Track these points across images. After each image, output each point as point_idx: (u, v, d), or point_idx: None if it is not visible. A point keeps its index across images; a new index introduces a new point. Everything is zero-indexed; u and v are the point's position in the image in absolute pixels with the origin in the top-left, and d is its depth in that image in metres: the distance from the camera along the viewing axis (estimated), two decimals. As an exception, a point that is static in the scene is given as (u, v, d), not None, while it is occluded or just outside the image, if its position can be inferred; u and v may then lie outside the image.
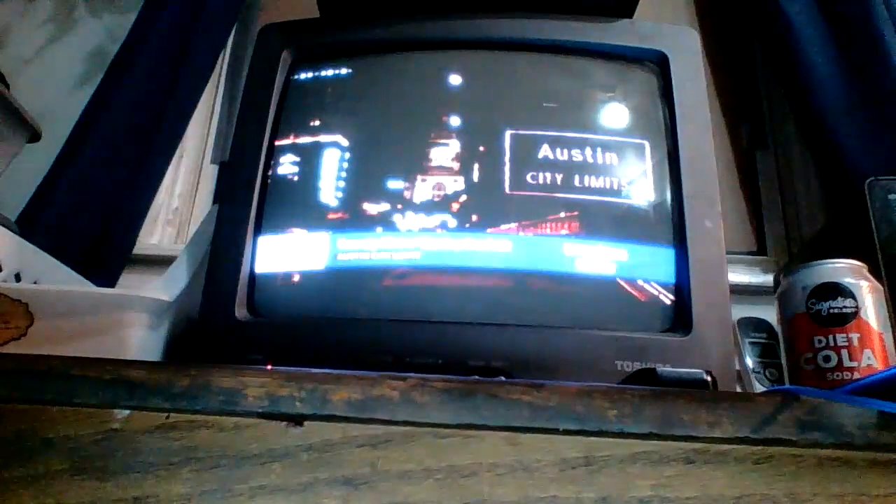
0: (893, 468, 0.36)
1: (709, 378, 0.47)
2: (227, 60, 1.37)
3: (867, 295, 0.62)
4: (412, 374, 0.36)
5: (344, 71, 0.71)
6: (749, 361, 0.78)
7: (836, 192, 1.10)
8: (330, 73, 0.71)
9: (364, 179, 0.66)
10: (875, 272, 0.65)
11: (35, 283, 0.68)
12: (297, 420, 0.36)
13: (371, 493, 0.36)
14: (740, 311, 0.77)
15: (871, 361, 0.59)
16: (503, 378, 0.54)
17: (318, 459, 0.36)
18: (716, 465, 0.36)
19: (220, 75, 1.36)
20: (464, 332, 0.58)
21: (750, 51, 1.42)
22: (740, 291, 1.05)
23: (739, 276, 1.15)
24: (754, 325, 0.82)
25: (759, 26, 1.28)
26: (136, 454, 0.36)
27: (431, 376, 0.36)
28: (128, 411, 0.37)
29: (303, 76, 0.71)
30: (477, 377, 0.42)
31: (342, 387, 0.35)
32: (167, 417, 0.37)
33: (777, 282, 0.71)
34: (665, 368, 0.52)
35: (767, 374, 0.78)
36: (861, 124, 1.09)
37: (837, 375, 0.59)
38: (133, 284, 1.06)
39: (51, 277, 0.72)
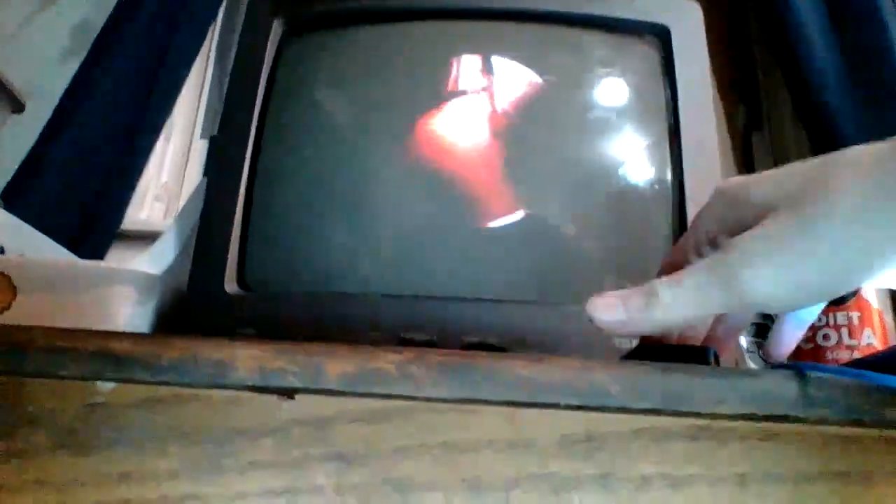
0: (899, 446, 0.35)
1: (711, 353, 0.46)
2: (217, 33, 1.35)
3: (868, 273, 0.61)
4: (409, 348, 0.35)
5: (338, 42, 0.69)
6: (743, 341, 0.78)
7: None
8: (323, 43, 0.69)
9: (357, 153, 0.65)
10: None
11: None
12: (289, 394, 0.35)
13: (365, 469, 0.35)
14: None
15: (870, 340, 0.59)
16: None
17: (310, 434, 0.35)
18: (720, 441, 0.35)
19: (210, 49, 1.33)
20: (459, 308, 0.57)
21: (747, 31, 1.40)
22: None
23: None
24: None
25: (757, 5, 1.27)
26: (122, 429, 0.35)
27: (429, 350, 0.35)
28: (112, 384, 0.35)
29: (295, 47, 0.69)
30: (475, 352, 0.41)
31: (336, 360, 0.34)
32: (154, 391, 0.35)
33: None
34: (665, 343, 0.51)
35: (762, 353, 0.78)
36: (858, 106, 1.08)
37: (837, 354, 0.59)
38: (121, 260, 1.04)
39: (37, 252, 0.70)
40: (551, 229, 0.60)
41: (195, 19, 1.16)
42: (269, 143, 0.65)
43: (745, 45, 1.39)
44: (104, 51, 1.13)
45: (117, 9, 1.18)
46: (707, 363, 0.40)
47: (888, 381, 0.35)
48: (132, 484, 0.34)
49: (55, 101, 1.10)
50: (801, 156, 1.23)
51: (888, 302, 0.61)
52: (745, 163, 1.33)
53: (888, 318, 0.60)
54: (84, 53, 1.15)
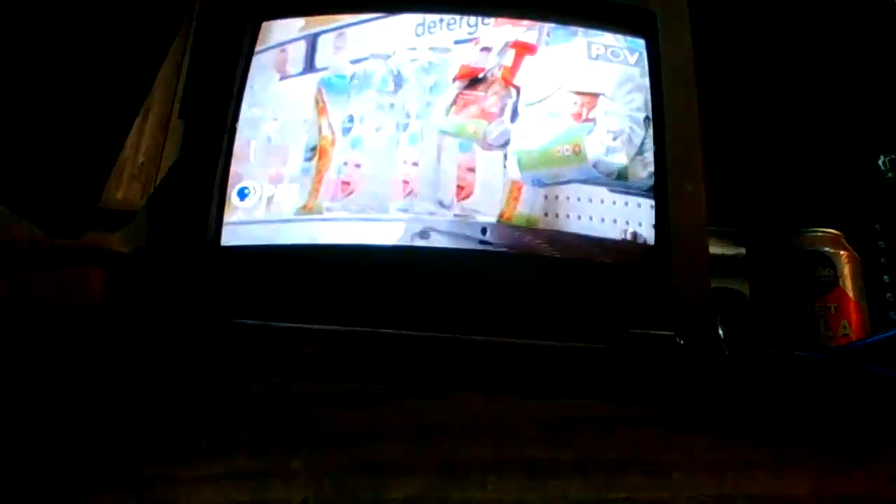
0: (879, 434, 0.35)
1: (680, 341, 0.46)
2: (197, 9, 1.32)
3: (845, 264, 0.62)
4: (385, 330, 0.35)
5: (317, 19, 0.68)
6: (720, 332, 0.78)
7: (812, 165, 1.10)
8: (302, 21, 0.68)
9: (335, 133, 0.64)
10: (850, 242, 0.65)
11: (-11, 235, 0.65)
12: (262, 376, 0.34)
13: (339, 452, 0.34)
14: (712, 283, 0.76)
15: (847, 331, 0.59)
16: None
17: (284, 418, 0.34)
18: (698, 428, 0.35)
19: (190, 27, 1.31)
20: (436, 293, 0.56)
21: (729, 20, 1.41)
22: (712, 263, 1.04)
23: (711, 248, 1.15)
24: (725, 296, 0.82)
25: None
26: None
27: (405, 332, 0.34)
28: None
29: (269, 27, 0.68)
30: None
31: (311, 341, 0.33)
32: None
33: (753, 251, 0.70)
34: (635, 330, 0.51)
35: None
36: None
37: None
38: (97, 240, 1.03)
39: (7, 231, 0.68)
40: (532, 214, 0.60)
41: (174, -5, 1.14)
42: (246, 123, 0.64)
43: (727, 35, 1.40)
44: (77, 21, 1.11)
45: (93, -19, 1.15)
46: (676, 348, 0.39)
47: (876, 371, 0.35)
48: (99, 465, 0.33)
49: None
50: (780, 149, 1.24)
51: (864, 294, 0.62)
52: (728, 151, 1.34)
53: (864, 309, 0.61)
54: (55, 22, 1.12)
